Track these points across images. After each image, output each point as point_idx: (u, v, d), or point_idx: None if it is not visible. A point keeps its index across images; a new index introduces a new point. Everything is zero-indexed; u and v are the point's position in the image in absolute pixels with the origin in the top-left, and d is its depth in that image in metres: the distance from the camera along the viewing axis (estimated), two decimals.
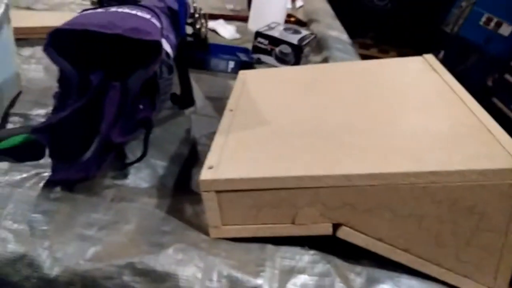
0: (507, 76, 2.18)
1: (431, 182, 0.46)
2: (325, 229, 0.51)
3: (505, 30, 2.15)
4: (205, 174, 0.51)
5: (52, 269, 0.50)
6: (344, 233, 0.51)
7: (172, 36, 0.85)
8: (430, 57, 0.77)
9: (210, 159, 0.54)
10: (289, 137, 0.57)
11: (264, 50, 1.18)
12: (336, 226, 0.51)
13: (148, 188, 0.63)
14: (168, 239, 0.53)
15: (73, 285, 0.50)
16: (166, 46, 0.78)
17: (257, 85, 0.75)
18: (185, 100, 0.90)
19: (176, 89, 0.88)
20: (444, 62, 0.76)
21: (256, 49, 1.19)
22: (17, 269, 0.50)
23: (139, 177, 0.65)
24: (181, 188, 0.64)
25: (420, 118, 0.57)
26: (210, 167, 0.52)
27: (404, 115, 0.59)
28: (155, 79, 0.67)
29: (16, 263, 0.50)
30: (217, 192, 0.51)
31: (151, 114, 0.66)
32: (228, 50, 1.19)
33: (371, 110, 0.61)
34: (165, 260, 0.50)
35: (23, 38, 0.98)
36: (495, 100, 2.22)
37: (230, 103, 0.69)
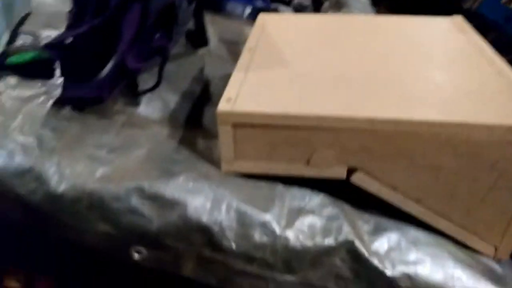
0: None
1: (456, 134, 0.45)
2: (339, 172, 0.51)
3: None
4: (223, 106, 0.49)
5: (59, 185, 0.49)
6: (359, 179, 0.50)
7: None
8: (458, 18, 0.75)
9: (229, 92, 0.52)
10: (311, 79, 0.55)
11: (283, 0, 1.14)
12: (350, 172, 0.51)
13: (159, 119, 0.61)
14: (179, 168, 0.52)
15: (79, 203, 0.49)
16: None
17: (278, 28, 0.72)
18: (199, 39, 0.87)
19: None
20: None
21: None
22: (24, 182, 0.49)
23: (151, 108, 0.63)
24: (193, 123, 0.63)
25: (447, 73, 0.56)
26: (229, 100, 0.50)
27: (430, 69, 0.57)
28: (174, 8, 0.64)
29: (23, 175, 0.49)
30: (234, 125, 0.49)
31: (168, 44, 0.64)
32: None
33: (396, 62, 0.59)
34: (175, 187, 0.50)
35: None
36: None
37: (250, 42, 0.66)
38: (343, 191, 0.55)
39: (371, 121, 0.46)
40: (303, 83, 0.54)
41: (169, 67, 0.76)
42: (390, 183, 0.50)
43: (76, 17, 0.59)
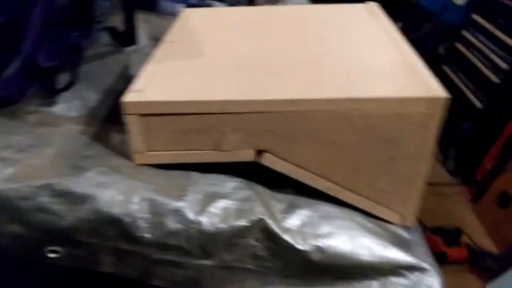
0: (458, 45, 2.25)
1: (350, 109, 0.48)
2: (248, 155, 0.52)
3: None
4: (129, 96, 0.50)
5: None
6: (267, 160, 0.52)
7: None
8: (372, 4, 0.78)
9: (137, 83, 0.52)
10: (223, 68, 0.56)
11: None
12: (260, 153, 0.52)
13: (76, 117, 0.61)
14: (89, 163, 0.52)
15: None
16: None
17: (200, 22, 0.73)
18: (127, 37, 0.87)
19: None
20: (403, 30, 0.76)
21: None
22: None
23: (68, 107, 0.63)
24: (112, 118, 0.63)
25: (352, 55, 0.58)
26: (136, 91, 0.51)
27: (338, 51, 0.60)
28: (90, 3, 0.64)
29: None
30: (141, 115, 0.50)
31: (84, 41, 0.64)
32: None
33: (308, 47, 0.61)
34: (85, 182, 0.50)
35: None
36: (445, 68, 2.29)
37: (169, 36, 0.67)
38: (260, 174, 0.56)
39: (271, 103, 0.48)
40: (214, 71, 0.55)
41: (93, 65, 0.76)
42: (297, 162, 0.52)
43: None
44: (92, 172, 0.51)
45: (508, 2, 2.00)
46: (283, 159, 0.52)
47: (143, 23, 0.98)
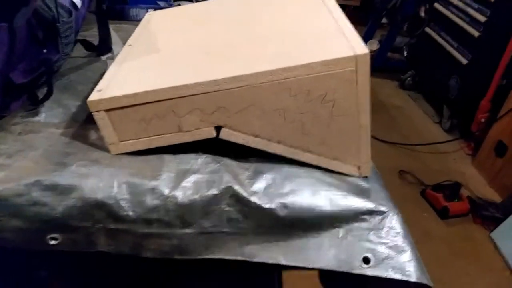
0: (437, 5, 2.27)
1: (285, 78, 0.54)
2: (208, 132, 0.59)
3: None
4: (93, 95, 0.57)
5: None
6: (225, 134, 0.58)
7: None
8: None
9: (100, 84, 0.59)
10: (174, 59, 0.63)
11: None
12: (218, 129, 0.59)
13: (58, 123, 0.68)
14: (71, 159, 0.59)
15: None
16: None
17: (160, 22, 0.80)
18: (102, 47, 0.95)
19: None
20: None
21: None
22: None
23: (51, 115, 0.70)
24: (91, 120, 0.70)
25: (290, 30, 0.64)
26: (99, 90, 0.58)
27: (278, 28, 0.66)
28: (53, 23, 0.71)
29: None
30: (106, 110, 0.57)
31: (54, 56, 0.71)
32: None
33: (251, 28, 0.67)
34: (69, 175, 0.57)
35: None
36: (428, 30, 2.32)
37: (130, 39, 0.74)
38: (228, 149, 0.63)
39: (215, 82, 0.54)
40: (166, 63, 0.62)
41: (73, 76, 0.83)
42: (251, 132, 0.58)
43: None
44: (74, 166, 0.58)
45: None
46: (239, 131, 0.58)
47: (116, 32, 1.05)
